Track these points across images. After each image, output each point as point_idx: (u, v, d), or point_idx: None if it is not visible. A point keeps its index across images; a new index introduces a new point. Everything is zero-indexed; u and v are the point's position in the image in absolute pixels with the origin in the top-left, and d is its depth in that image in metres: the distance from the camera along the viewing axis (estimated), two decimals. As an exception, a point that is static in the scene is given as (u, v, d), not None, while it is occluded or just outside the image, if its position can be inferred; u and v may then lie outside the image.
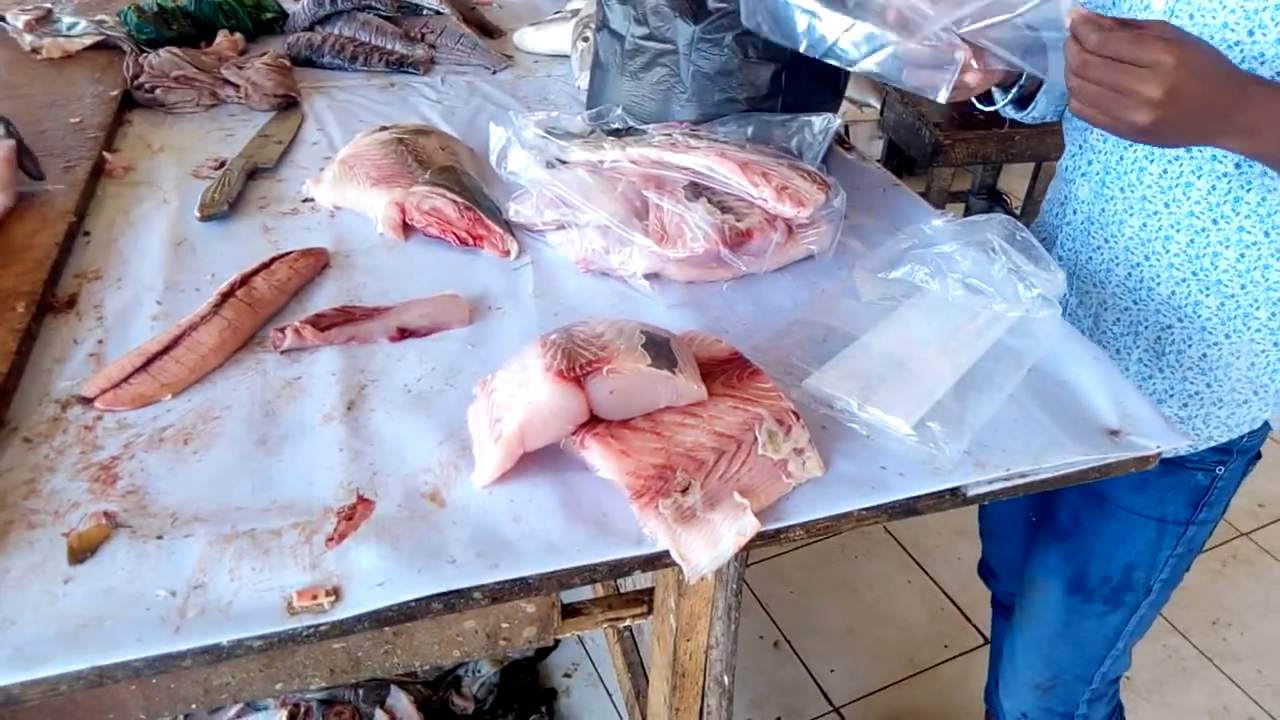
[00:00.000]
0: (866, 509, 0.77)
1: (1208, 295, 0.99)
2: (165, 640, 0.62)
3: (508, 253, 1.07)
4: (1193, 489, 1.11)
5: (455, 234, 1.07)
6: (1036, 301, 0.95)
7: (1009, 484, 0.81)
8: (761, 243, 1.03)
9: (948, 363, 0.89)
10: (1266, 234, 0.94)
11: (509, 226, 1.09)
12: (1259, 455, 1.14)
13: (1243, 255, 0.96)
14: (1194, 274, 0.99)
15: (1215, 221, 0.95)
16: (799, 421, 0.79)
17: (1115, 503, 1.14)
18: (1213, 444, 1.09)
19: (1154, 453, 0.84)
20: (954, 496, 0.80)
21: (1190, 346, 1.03)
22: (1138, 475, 1.09)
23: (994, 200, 2.93)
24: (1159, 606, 1.21)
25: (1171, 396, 1.07)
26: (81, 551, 0.67)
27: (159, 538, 0.69)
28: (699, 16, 1.12)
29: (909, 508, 0.78)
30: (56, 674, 0.59)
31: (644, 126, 1.14)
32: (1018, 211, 2.90)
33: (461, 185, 1.11)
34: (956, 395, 0.86)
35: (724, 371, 0.83)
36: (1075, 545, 1.19)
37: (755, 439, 0.77)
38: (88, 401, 0.81)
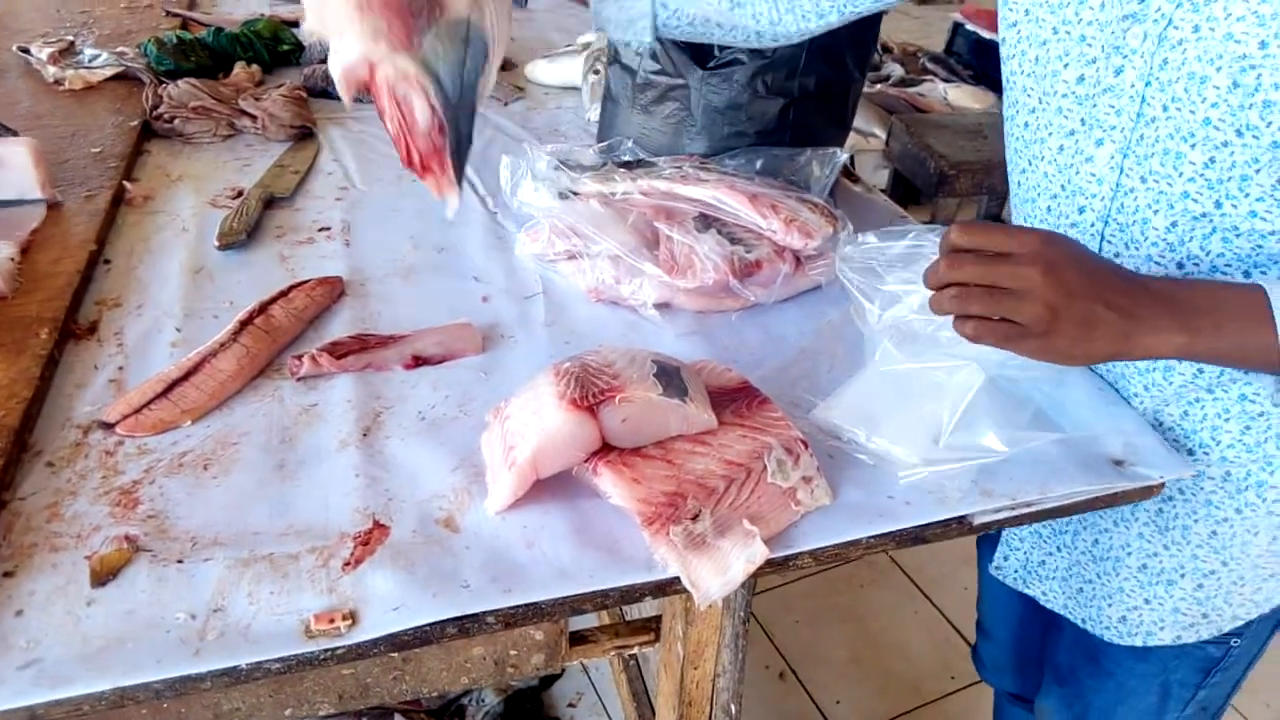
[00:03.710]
0: (874, 537, 0.78)
1: (1210, 468, 0.89)
2: (185, 662, 0.63)
3: (443, 198, 0.83)
4: (1202, 659, 1.01)
5: (406, 143, 0.81)
6: None
7: (1015, 513, 0.82)
8: (770, 274, 1.04)
9: (954, 392, 0.90)
10: (1276, 404, 0.84)
11: (462, 170, 0.83)
12: None
13: (1248, 428, 0.86)
14: (1189, 452, 0.90)
15: (1210, 390, 0.86)
16: (807, 450, 0.80)
17: (1114, 662, 1.05)
18: (1239, 623, 0.97)
19: (1158, 483, 0.85)
20: (961, 525, 0.81)
21: (1196, 522, 0.92)
22: (1139, 646, 1.00)
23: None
24: None
25: (1183, 576, 0.95)
26: (103, 574, 0.68)
27: (179, 561, 0.70)
28: (703, 62, 1.15)
29: (916, 536, 0.79)
30: (80, 694, 0.60)
31: (654, 159, 1.16)
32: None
33: (447, 96, 0.79)
34: (962, 425, 0.87)
35: (733, 400, 0.84)
36: (1072, 694, 1.12)
37: (765, 467, 0.78)
38: (109, 427, 0.83)
